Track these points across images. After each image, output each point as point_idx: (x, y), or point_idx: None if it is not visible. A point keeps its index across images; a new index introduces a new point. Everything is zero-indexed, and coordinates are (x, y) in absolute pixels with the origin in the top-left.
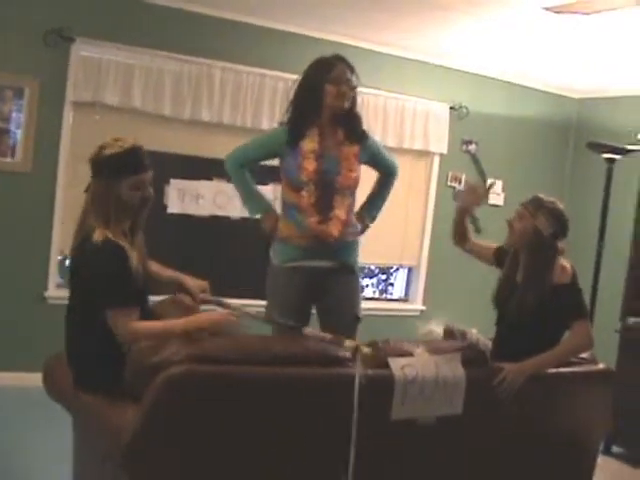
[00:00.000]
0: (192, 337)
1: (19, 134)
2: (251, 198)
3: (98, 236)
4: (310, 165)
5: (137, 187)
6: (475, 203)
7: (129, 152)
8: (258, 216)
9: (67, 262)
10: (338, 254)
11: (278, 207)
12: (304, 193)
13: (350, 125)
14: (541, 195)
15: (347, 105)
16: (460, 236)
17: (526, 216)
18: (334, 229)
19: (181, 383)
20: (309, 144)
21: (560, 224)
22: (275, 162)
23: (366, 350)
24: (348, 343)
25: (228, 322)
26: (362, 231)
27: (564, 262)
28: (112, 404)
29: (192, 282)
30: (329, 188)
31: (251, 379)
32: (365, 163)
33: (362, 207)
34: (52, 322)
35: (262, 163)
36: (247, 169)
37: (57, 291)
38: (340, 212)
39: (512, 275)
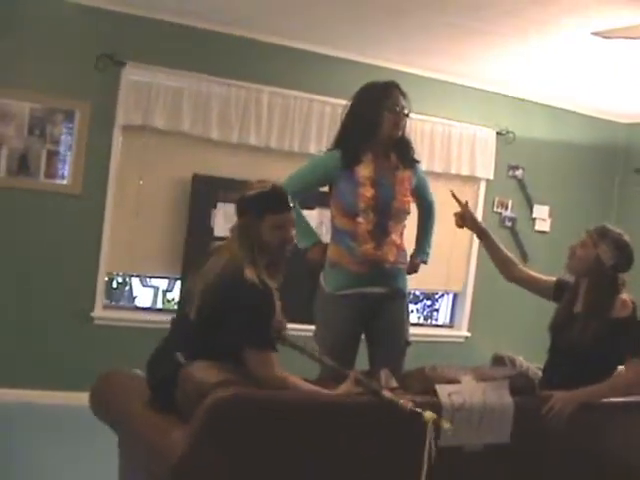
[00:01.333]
0: None
1: (69, 156)
2: (301, 230)
3: (251, 274)
4: (367, 192)
5: (278, 227)
6: (461, 221)
7: (270, 192)
8: (304, 246)
9: (179, 291)
10: (390, 280)
11: (322, 231)
12: (361, 220)
13: (402, 150)
14: (609, 225)
15: (401, 133)
16: (499, 263)
17: (589, 244)
18: (390, 254)
19: (228, 406)
20: (364, 170)
21: (624, 256)
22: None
23: (447, 426)
24: (428, 416)
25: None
26: (415, 268)
27: (625, 296)
28: (161, 425)
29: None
30: (385, 214)
31: (300, 405)
32: (413, 191)
33: (416, 246)
34: (99, 342)
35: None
36: (299, 199)
37: (104, 312)
38: (395, 237)
39: (571, 304)
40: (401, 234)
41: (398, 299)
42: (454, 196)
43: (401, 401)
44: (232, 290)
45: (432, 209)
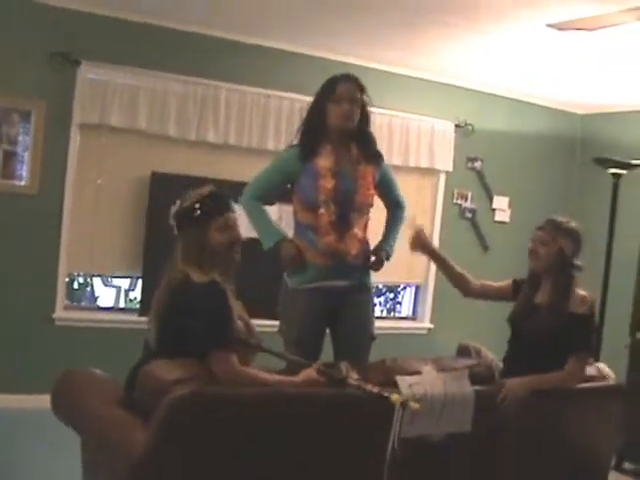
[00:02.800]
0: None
1: (26, 156)
2: (265, 230)
3: (200, 277)
4: (328, 183)
5: (225, 228)
6: (424, 247)
7: (209, 196)
8: (268, 247)
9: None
10: (353, 273)
11: (281, 225)
12: (322, 211)
13: (363, 144)
14: (554, 216)
15: (351, 124)
16: (454, 281)
17: (548, 240)
18: (352, 247)
19: (187, 404)
20: (324, 161)
21: (578, 242)
22: None
23: (415, 406)
24: (395, 398)
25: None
26: (378, 265)
27: (583, 291)
28: (122, 423)
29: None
30: (347, 206)
31: (260, 399)
32: (377, 187)
33: (379, 243)
34: (60, 343)
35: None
36: (263, 201)
37: (65, 312)
38: (358, 230)
39: (531, 296)
40: (364, 227)
41: (362, 293)
42: (413, 220)
43: (368, 385)
44: (183, 298)
45: (400, 209)
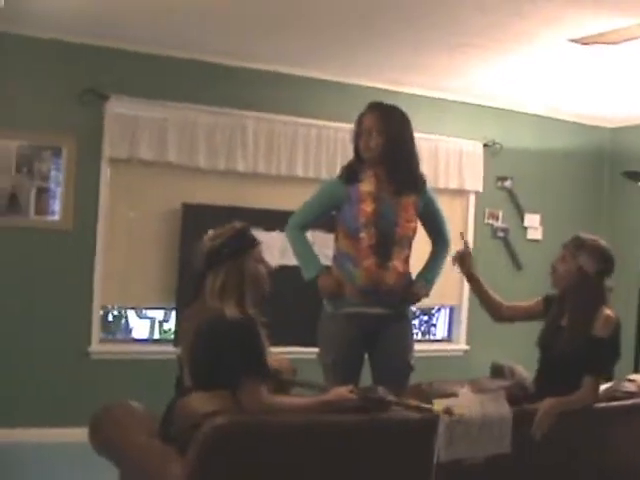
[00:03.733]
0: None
1: (59, 192)
2: (307, 260)
3: (232, 312)
4: (368, 207)
5: (260, 259)
6: (466, 267)
7: (242, 230)
8: (309, 277)
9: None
10: (393, 302)
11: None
12: (363, 235)
13: (398, 173)
14: (582, 234)
15: (370, 154)
16: (488, 306)
17: (568, 257)
18: (390, 278)
19: (223, 434)
20: (365, 186)
21: (604, 260)
22: None
23: (461, 412)
24: (438, 406)
25: (352, 400)
26: (417, 300)
27: (609, 311)
28: (160, 456)
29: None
30: (387, 236)
31: (295, 427)
32: (420, 217)
33: (417, 276)
34: (96, 376)
35: None
36: (308, 229)
37: (100, 346)
38: (398, 263)
39: (558, 318)
40: (405, 261)
41: (400, 322)
42: (462, 238)
43: (407, 400)
44: (217, 332)
45: (442, 244)
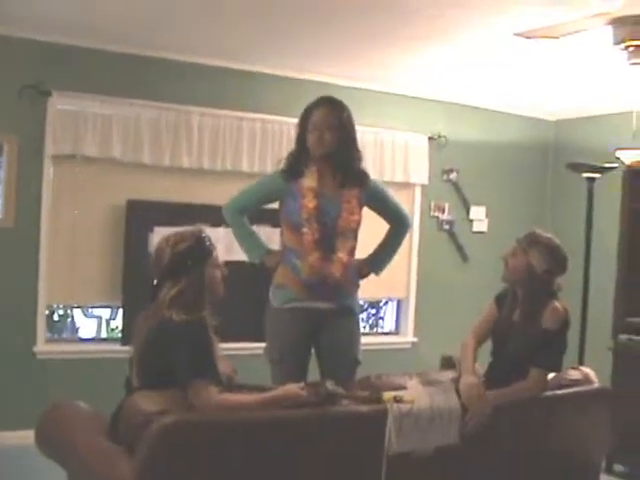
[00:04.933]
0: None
1: (1, 190)
2: (251, 243)
3: (183, 316)
4: (310, 202)
5: (216, 265)
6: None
7: (201, 238)
8: (254, 259)
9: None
10: (336, 295)
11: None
12: (306, 230)
13: (344, 167)
14: (537, 230)
15: (322, 150)
16: None
17: (519, 252)
18: (336, 270)
19: (172, 432)
20: (307, 182)
21: (555, 259)
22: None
23: (410, 399)
24: (387, 396)
25: (302, 396)
26: (362, 277)
27: (558, 304)
28: (109, 456)
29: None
30: (331, 229)
31: (243, 423)
32: (368, 207)
33: (368, 257)
34: (42, 377)
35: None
36: (246, 215)
37: (46, 346)
38: (342, 255)
39: (510, 313)
40: (349, 252)
41: (346, 316)
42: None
43: (356, 393)
44: (166, 335)
45: (400, 226)
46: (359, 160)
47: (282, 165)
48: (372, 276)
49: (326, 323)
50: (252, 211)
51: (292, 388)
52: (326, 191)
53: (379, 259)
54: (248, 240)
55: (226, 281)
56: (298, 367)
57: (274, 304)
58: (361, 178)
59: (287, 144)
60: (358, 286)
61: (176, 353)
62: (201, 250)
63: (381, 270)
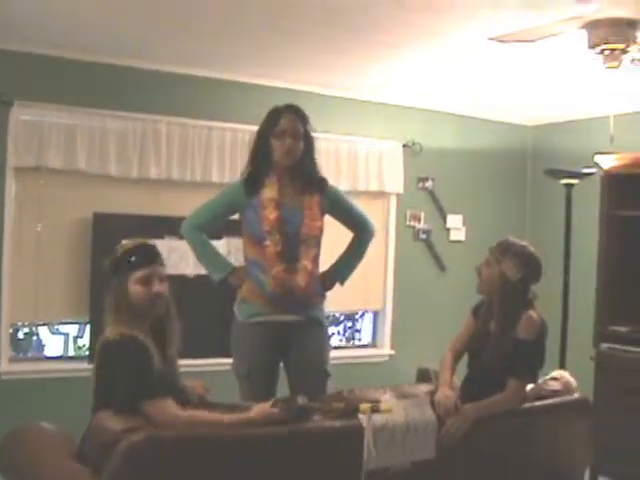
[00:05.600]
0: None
1: None
2: (213, 262)
3: (109, 332)
4: (271, 214)
5: (143, 281)
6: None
7: (133, 249)
8: (219, 278)
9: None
10: (303, 307)
11: (230, 260)
12: (268, 242)
13: (306, 174)
14: (510, 238)
15: (293, 160)
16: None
17: (492, 262)
18: (301, 280)
19: (141, 450)
20: (268, 193)
21: (529, 267)
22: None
23: (387, 407)
24: (364, 407)
25: (274, 415)
26: (327, 288)
27: (533, 313)
28: (75, 478)
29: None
30: (293, 238)
31: (214, 441)
32: (330, 214)
33: (331, 267)
34: (7, 398)
35: None
36: (205, 232)
37: (10, 365)
38: (306, 262)
39: (486, 323)
40: (313, 261)
41: (312, 327)
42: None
43: (331, 405)
44: (101, 355)
45: (363, 232)
46: (318, 166)
47: (243, 176)
48: (349, 288)
49: (293, 336)
50: (212, 227)
51: (264, 408)
52: (287, 200)
53: (342, 268)
54: (209, 259)
55: (166, 298)
56: (266, 382)
57: (239, 318)
58: (321, 184)
59: None
60: (324, 297)
61: (114, 376)
62: (121, 262)
63: (345, 279)
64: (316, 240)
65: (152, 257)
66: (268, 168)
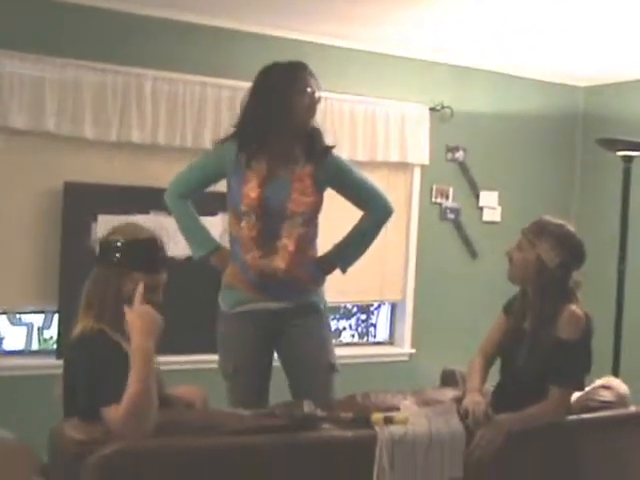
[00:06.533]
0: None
1: None
2: (195, 236)
3: (84, 327)
4: (252, 191)
5: (145, 287)
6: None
7: (146, 244)
8: (199, 256)
9: None
10: (292, 292)
11: (225, 240)
12: (243, 224)
13: (312, 141)
14: (546, 217)
15: (314, 118)
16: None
17: (525, 245)
18: (280, 261)
19: (114, 463)
20: (256, 164)
21: (569, 250)
22: (223, 187)
23: (403, 417)
24: (376, 417)
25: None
26: (325, 273)
27: (576, 307)
28: None
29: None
30: (276, 216)
31: (200, 451)
32: (333, 188)
33: (333, 248)
34: None
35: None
36: (190, 200)
37: None
38: (288, 242)
39: (520, 320)
40: (298, 240)
41: (308, 315)
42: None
43: (339, 414)
44: (71, 353)
45: (375, 211)
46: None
47: (234, 134)
48: (364, 276)
49: (283, 326)
50: (200, 192)
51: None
52: (276, 174)
53: (346, 251)
54: (192, 232)
55: (159, 308)
56: (255, 379)
57: (223, 308)
58: (320, 153)
59: None
60: (322, 282)
61: (74, 375)
62: (134, 253)
63: (347, 266)
64: (303, 218)
65: (163, 263)
66: (274, 134)
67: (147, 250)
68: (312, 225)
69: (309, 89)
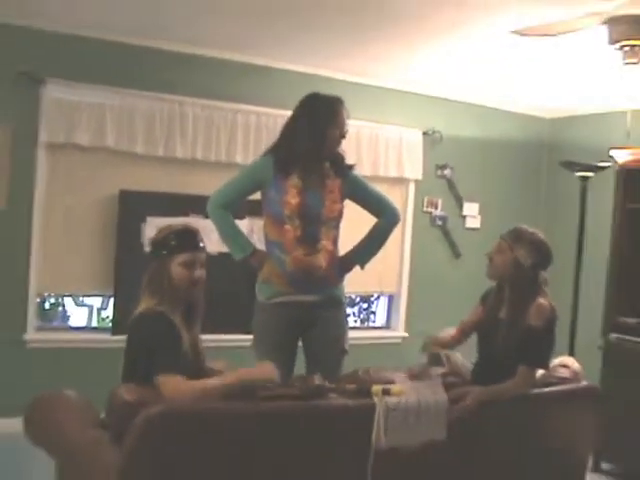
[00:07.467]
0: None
1: None
2: (235, 241)
3: (143, 308)
4: (293, 199)
5: (187, 265)
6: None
7: (180, 230)
8: (240, 257)
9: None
10: (323, 287)
11: (253, 239)
12: (288, 227)
13: (336, 162)
14: (522, 226)
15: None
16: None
17: (505, 249)
18: (322, 260)
19: (159, 422)
20: (293, 180)
21: (541, 254)
22: (250, 197)
23: (398, 389)
24: (376, 388)
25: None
26: (346, 271)
27: (543, 300)
28: (97, 445)
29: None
30: (314, 220)
31: (230, 415)
32: (352, 199)
33: (353, 248)
34: (32, 365)
35: None
36: (230, 210)
37: (36, 334)
38: (327, 243)
39: (496, 310)
40: (333, 241)
41: (333, 308)
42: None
43: (344, 385)
44: (131, 329)
45: (384, 218)
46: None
47: (272, 150)
48: (365, 271)
49: (314, 316)
50: (239, 204)
51: (266, 367)
52: (310, 185)
53: (364, 251)
54: (232, 238)
55: (204, 284)
56: (285, 362)
57: (260, 299)
58: (344, 170)
59: None
60: (343, 278)
61: (136, 348)
62: (167, 243)
63: (365, 263)
64: (336, 222)
65: (196, 243)
66: (302, 153)
67: (181, 235)
68: (338, 229)
69: (344, 124)
